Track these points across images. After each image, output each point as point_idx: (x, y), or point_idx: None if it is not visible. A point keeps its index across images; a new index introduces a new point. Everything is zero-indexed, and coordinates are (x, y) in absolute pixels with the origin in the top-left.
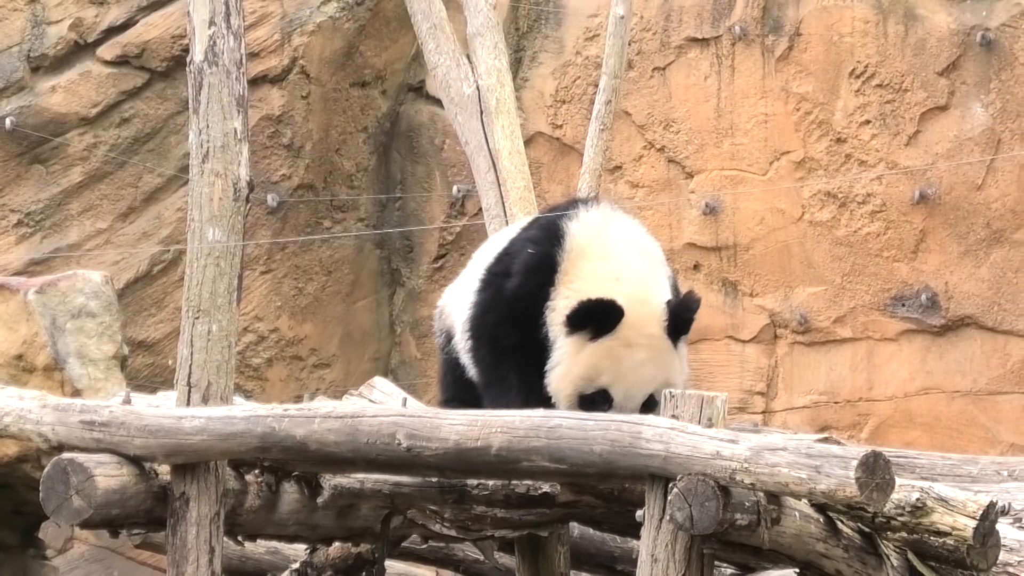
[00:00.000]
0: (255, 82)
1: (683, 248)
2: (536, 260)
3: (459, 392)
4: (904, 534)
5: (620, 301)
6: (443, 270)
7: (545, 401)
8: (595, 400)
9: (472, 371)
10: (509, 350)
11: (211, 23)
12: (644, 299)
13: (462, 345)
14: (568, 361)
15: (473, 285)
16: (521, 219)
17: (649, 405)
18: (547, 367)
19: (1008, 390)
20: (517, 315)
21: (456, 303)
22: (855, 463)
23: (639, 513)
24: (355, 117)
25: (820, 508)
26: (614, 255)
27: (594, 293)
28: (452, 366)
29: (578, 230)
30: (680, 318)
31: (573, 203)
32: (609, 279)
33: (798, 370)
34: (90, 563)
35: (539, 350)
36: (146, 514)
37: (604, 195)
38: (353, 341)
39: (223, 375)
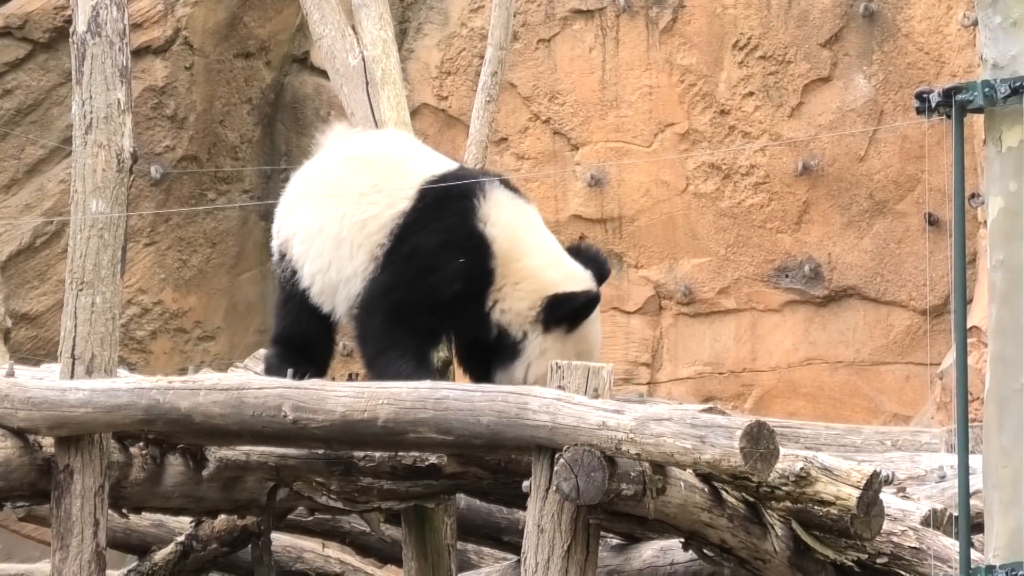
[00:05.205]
0: (138, 53)
1: (569, 220)
2: (472, 269)
3: (299, 329)
4: (788, 503)
5: (574, 286)
6: None
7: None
8: None
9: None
10: (415, 326)
11: None
12: (579, 276)
13: (344, 315)
14: (553, 356)
15: (364, 265)
16: (390, 158)
17: None
18: (515, 362)
19: (891, 360)
20: (450, 310)
21: (321, 268)
22: (739, 433)
23: (526, 484)
24: (239, 88)
25: (705, 478)
26: (537, 245)
27: (549, 287)
28: (300, 300)
29: (498, 233)
30: (603, 277)
31: (465, 180)
32: (549, 267)
33: (683, 341)
34: None
35: (440, 333)
36: (30, 487)
37: (488, 167)
38: (238, 313)
39: (107, 347)
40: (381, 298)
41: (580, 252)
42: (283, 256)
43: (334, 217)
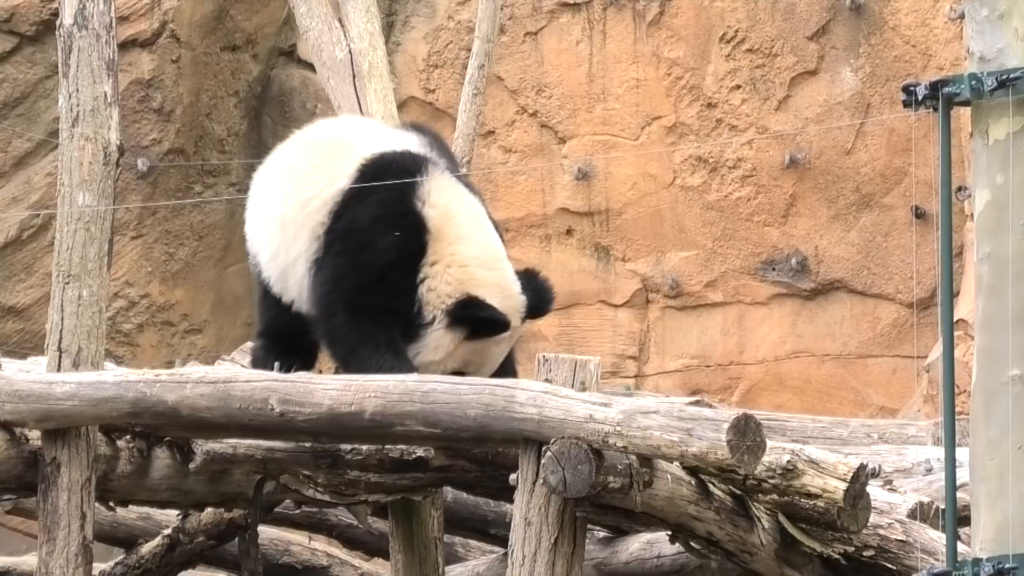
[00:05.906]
0: (125, 46)
1: (556, 213)
2: (405, 242)
3: (279, 322)
4: (775, 496)
5: (494, 299)
6: None
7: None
8: None
9: (321, 332)
10: (376, 313)
11: None
12: (509, 292)
13: (303, 302)
14: (442, 354)
15: (307, 245)
16: (332, 148)
17: None
18: (415, 343)
19: (877, 353)
20: (389, 283)
21: (273, 254)
22: (726, 426)
23: (513, 477)
24: (226, 81)
25: (692, 471)
26: (476, 236)
27: (472, 285)
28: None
29: (435, 214)
30: (538, 311)
31: (402, 164)
32: (478, 265)
33: (670, 334)
34: None
35: (401, 311)
36: (17, 480)
37: (474, 162)
38: (225, 306)
39: (94, 340)
40: (335, 292)
41: (530, 279)
42: (253, 252)
43: (279, 200)
